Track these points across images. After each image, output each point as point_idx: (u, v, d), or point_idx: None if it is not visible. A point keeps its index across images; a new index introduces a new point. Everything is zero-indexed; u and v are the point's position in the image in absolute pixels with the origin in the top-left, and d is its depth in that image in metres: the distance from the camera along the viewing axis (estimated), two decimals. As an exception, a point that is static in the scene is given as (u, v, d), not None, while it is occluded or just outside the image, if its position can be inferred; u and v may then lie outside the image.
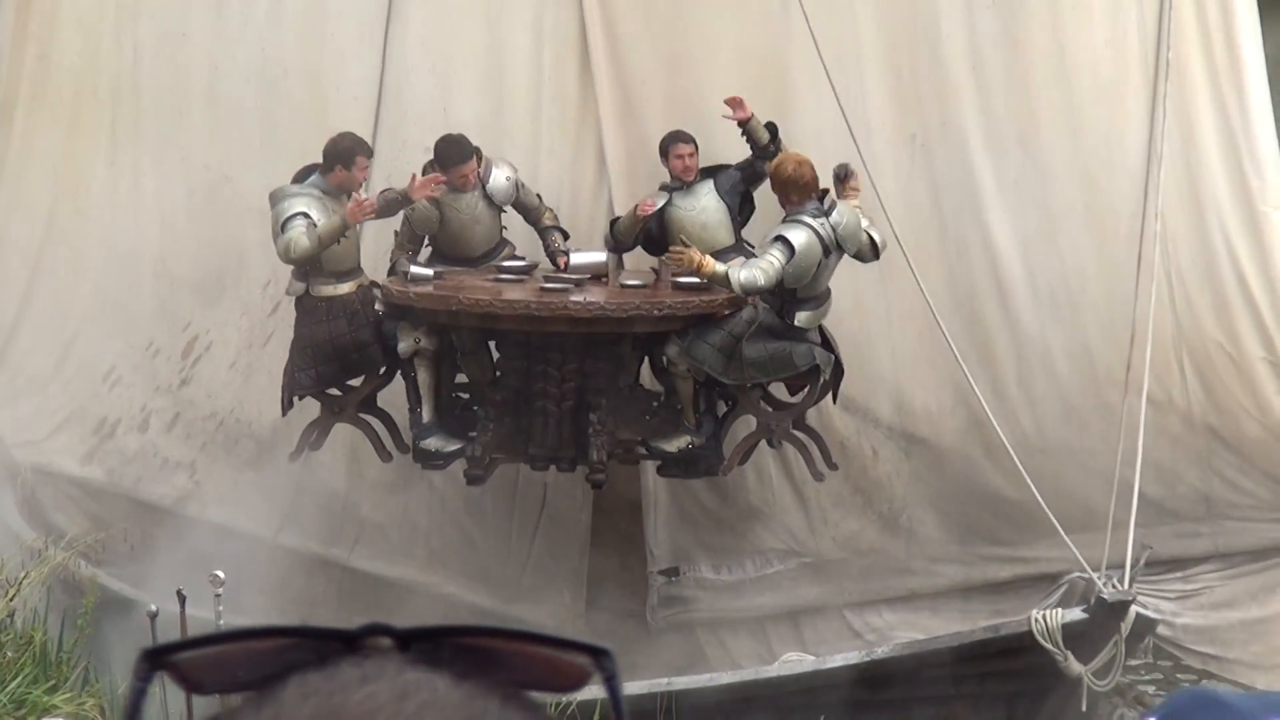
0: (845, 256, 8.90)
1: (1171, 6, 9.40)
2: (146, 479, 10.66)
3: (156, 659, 1.04)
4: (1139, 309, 9.36)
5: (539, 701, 1.03)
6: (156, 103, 10.30)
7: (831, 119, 9.20)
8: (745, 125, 8.97)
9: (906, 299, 9.32)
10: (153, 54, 10.25)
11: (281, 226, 8.92)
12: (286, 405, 9.55)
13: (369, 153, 9.16)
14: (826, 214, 8.63)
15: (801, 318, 8.84)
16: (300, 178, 9.04)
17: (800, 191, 8.64)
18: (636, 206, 9.16)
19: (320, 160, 9.03)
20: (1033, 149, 9.57)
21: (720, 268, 8.59)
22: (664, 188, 9.25)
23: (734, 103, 8.92)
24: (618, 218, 9.37)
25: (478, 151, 9.11)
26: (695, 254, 8.57)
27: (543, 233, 9.31)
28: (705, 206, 9.28)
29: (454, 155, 9.10)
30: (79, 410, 10.75)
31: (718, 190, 9.31)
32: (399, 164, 9.58)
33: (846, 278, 9.21)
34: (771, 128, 9.02)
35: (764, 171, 8.99)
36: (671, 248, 8.89)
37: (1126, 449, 9.28)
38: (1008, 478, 9.46)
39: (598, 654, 1.04)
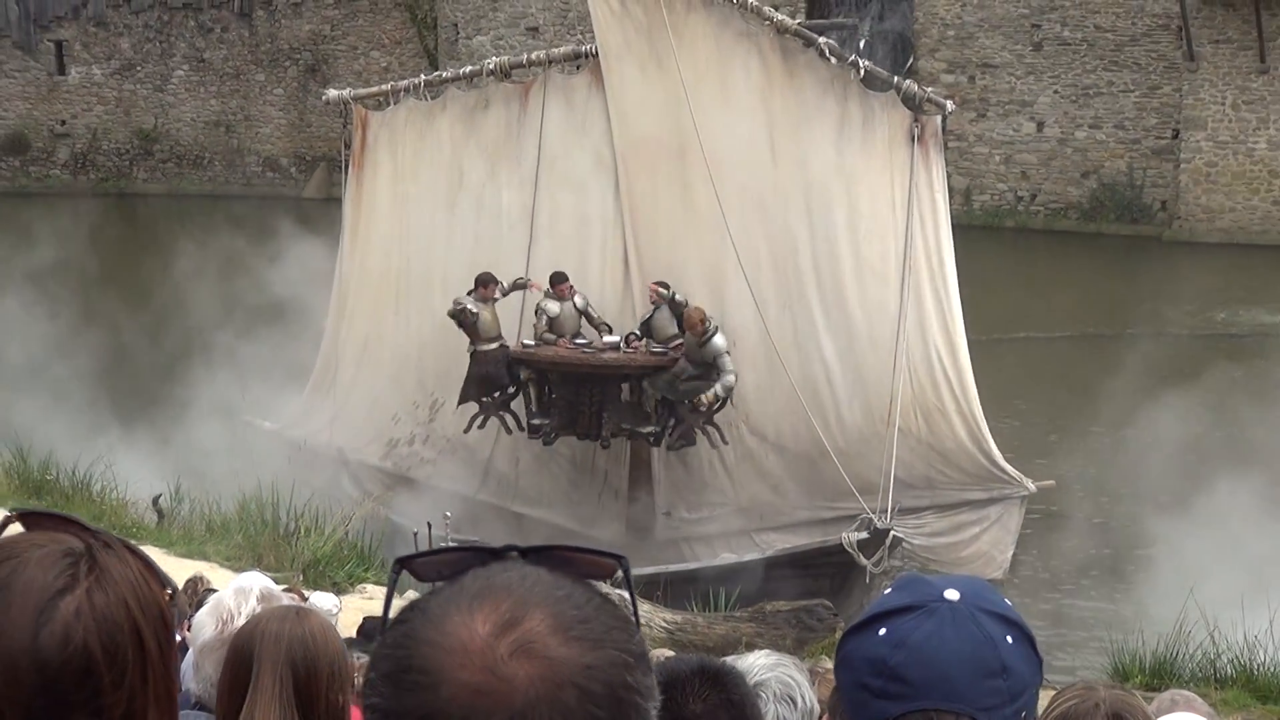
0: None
1: (910, 237, 16.77)
2: (413, 468, 17.76)
3: (402, 563, 1.60)
4: (895, 385, 16.52)
5: (595, 585, 1.54)
6: (418, 282, 18.00)
7: (747, 296, 16.67)
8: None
9: (782, 379, 16.61)
10: (415, 259, 18.05)
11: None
12: (460, 403, 16.56)
13: (494, 280, 16.56)
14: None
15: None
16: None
17: (700, 326, 16.28)
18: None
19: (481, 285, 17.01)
20: (843, 309, 16.81)
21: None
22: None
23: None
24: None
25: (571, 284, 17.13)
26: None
27: (596, 328, 17.16)
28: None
29: (560, 278, 16.81)
30: (378, 434, 18.06)
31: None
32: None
33: (753, 370, 17.02)
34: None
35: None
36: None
37: (888, 454, 16.24)
38: (831, 467, 16.33)
39: (619, 559, 1.58)
